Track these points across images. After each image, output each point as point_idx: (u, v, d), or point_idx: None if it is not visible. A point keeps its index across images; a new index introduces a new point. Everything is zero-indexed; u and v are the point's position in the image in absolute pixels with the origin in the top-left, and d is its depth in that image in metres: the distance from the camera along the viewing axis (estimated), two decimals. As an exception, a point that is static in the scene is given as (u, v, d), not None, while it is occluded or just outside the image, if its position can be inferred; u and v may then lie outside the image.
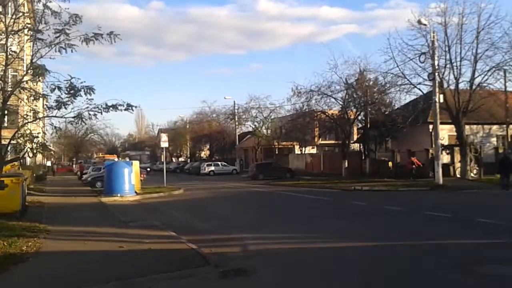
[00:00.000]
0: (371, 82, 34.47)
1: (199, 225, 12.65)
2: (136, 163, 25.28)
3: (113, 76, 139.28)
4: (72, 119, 14.84)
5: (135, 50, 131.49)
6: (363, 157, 35.99)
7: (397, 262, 7.68)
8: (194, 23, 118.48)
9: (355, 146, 42.09)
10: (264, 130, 52.50)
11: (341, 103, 35.34)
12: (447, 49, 26.99)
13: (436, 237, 9.79)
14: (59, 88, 14.03)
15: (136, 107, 15.27)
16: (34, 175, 34.81)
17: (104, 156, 59.09)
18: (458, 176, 28.20)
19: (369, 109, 34.15)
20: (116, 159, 53.07)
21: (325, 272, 7.28)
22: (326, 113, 37.05)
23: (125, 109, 14.70)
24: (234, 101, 53.82)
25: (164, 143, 28.33)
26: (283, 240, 10.03)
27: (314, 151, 49.72)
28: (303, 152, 48.43)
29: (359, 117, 36.38)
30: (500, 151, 32.16)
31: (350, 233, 10.76)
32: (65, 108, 14.36)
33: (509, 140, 31.12)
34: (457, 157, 28.86)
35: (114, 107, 14.50)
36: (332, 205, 17.60)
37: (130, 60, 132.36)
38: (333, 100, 35.40)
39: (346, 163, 34.74)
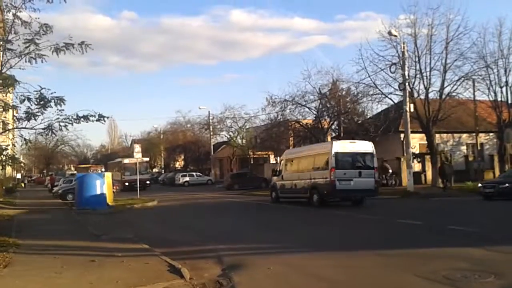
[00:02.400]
0: (343, 92, 34.99)
1: (173, 237, 12.50)
2: (108, 175, 24.88)
3: (85, 86, 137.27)
4: (42, 131, 14.51)
5: (107, 60, 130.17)
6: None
7: (367, 271, 7.76)
8: (166, 33, 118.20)
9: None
10: (239, 140, 52.49)
11: (315, 112, 35.73)
12: (417, 59, 27.67)
13: (407, 244, 9.93)
14: (29, 99, 13.69)
15: (108, 117, 14.98)
16: (4, 188, 33.89)
17: (91, 166, 57.77)
18: (429, 183, 28.77)
19: (342, 119, 34.61)
20: (100, 170, 52.29)
21: (302, 282, 7.30)
22: (301, 123, 37.33)
23: (96, 120, 14.40)
24: (209, 111, 53.77)
25: (138, 154, 27.98)
26: (259, 251, 10.02)
27: (289, 160, 49.81)
28: (278, 162, 48.52)
29: (333, 126, 36.79)
30: (470, 159, 33.03)
31: (323, 242, 10.83)
32: (35, 119, 14.01)
33: (478, 148, 31.94)
34: (428, 165, 29.43)
35: (86, 118, 14.21)
36: (307, 214, 17.67)
37: (102, 70, 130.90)
38: (307, 109, 35.86)
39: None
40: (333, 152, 18.96)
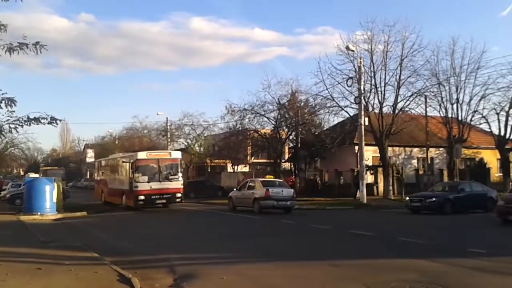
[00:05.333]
0: (302, 103, 35.52)
1: (124, 246, 12.19)
2: (58, 179, 24.12)
3: (38, 88, 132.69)
4: (-9, 133, 13.92)
5: (61, 62, 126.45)
6: (294, 176, 36.76)
7: (319, 281, 7.85)
8: (125, 37, 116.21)
9: (286, 165, 42.88)
10: (197, 148, 52.04)
11: (273, 122, 36.06)
12: (372, 74, 28.48)
13: (358, 255, 10.14)
14: (-23, 99, 13.13)
15: (60, 120, 14.51)
16: None
17: (53, 168, 55.27)
18: (381, 195, 29.52)
19: (300, 129, 35.10)
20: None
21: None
22: (259, 132, 37.54)
23: (48, 123, 13.94)
24: (167, 117, 52.97)
25: (90, 159, 27.32)
26: (212, 261, 9.94)
27: (246, 169, 49.93)
28: (236, 171, 48.51)
29: (291, 137, 37.22)
30: (421, 172, 34.18)
31: (276, 252, 10.88)
32: (-17, 121, 13.44)
33: (429, 162, 33.10)
34: (380, 177, 30.22)
35: (37, 120, 13.72)
36: (261, 223, 17.72)
37: (56, 72, 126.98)
38: (266, 119, 36.14)
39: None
40: None
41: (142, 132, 61.65)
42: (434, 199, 20.46)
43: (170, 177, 23.62)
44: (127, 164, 24.40)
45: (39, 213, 20.08)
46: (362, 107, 25.76)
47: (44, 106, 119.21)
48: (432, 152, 34.86)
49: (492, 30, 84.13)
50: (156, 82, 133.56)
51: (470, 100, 31.07)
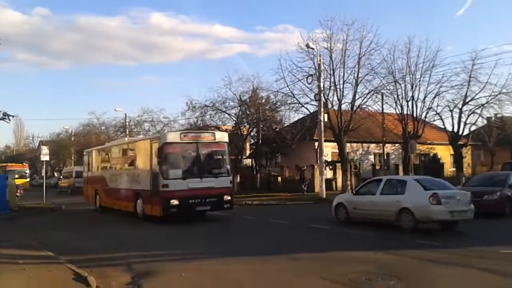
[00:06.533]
0: (263, 100, 35.61)
1: (80, 244, 11.89)
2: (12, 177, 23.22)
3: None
4: None
5: (15, 56, 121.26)
6: (255, 172, 36.90)
7: (278, 275, 7.93)
8: (81, 31, 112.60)
9: (248, 161, 42.98)
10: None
11: (234, 119, 35.98)
12: (331, 72, 28.81)
13: (317, 248, 10.31)
14: None
15: (13, 116, 14.14)
16: None
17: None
18: (340, 190, 30.07)
19: (261, 126, 35.23)
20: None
21: (213, 287, 7.30)
22: (220, 129, 37.41)
23: (1, 119, 13.54)
24: (126, 114, 52.00)
25: (45, 156, 26.36)
26: (171, 258, 9.86)
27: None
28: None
29: (252, 133, 37.27)
30: (377, 167, 35.05)
31: (237, 247, 10.91)
32: None
33: (385, 157, 33.97)
34: (339, 173, 30.80)
35: (-12, 116, 13.27)
36: (223, 220, 17.67)
37: (9, 66, 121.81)
38: (227, 116, 35.99)
39: (238, 178, 35.28)
40: None
41: (99, 129, 60.27)
42: None
43: (215, 171, 16.31)
44: (147, 151, 16.73)
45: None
46: (322, 104, 26.08)
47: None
48: (388, 147, 35.82)
49: (447, 29, 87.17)
50: (114, 77, 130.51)
51: (425, 97, 32.08)
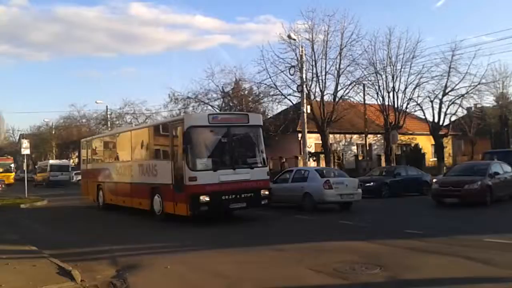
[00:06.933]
0: (246, 92, 35.62)
1: (64, 239, 11.77)
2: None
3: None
4: None
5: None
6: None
7: (263, 266, 7.97)
8: (60, 22, 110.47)
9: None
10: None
11: (217, 110, 35.87)
12: (314, 63, 29.03)
13: (301, 239, 10.38)
14: None
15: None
16: None
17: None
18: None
19: (244, 118, 35.19)
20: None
21: (198, 279, 7.29)
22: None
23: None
24: (107, 106, 51.44)
25: (26, 150, 25.92)
26: (156, 251, 9.80)
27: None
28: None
29: (235, 125, 37.19)
30: (360, 158, 35.40)
31: (221, 239, 10.89)
32: None
33: (367, 148, 34.33)
34: (322, 164, 31.04)
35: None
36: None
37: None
38: (210, 107, 35.87)
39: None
40: None
41: (80, 121, 59.57)
42: (372, 183, 21.22)
43: (250, 160, 14.01)
44: (167, 137, 14.53)
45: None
46: (304, 95, 26.20)
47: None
48: (371, 138, 36.21)
49: (427, 21, 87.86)
50: (95, 69, 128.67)
51: (406, 88, 32.55)
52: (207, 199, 12.63)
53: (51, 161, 47.49)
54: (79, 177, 43.79)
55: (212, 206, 12.81)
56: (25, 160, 30.37)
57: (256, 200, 13.59)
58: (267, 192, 13.86)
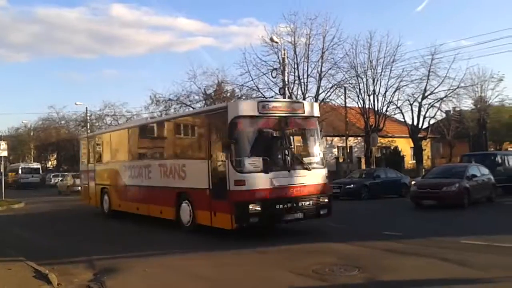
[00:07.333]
0: (228, 94, 35.56)
1: (40, 242, 11.60)
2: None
3: None
4: None
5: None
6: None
7: (244, 268, 7.95)
8: (40, 23, 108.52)
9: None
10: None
11: (199, 113, 35.72)
12: (296, 66, 29.20)
13: (282, 241, 10.40)
14: None
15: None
16: None
17: None
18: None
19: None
20: None
21: (177, 282, 7.24)
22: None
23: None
24: (87, 108, 50.80)
25: (3, 152, 25.44)
26: (135, 254, 9.67)
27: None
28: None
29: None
30: (341, 160, 35.64)
31: (202, 242, 10.85)
32: None
33: (348, 151, 34.59)
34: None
35: None
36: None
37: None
38: (191, 110, 35.69)
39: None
40: None
41: (59, 123, 58.72)
42: (352, 185, 21.44)
43: (307, 159, 11.37)
44: (202, 130, 12.10)
45: None
46: (286, 98, 26.30)
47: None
48: (351, 141, 36.49)
49: (407, 25, 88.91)
50: (74, 71, 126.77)
51: (386, 91, 32.91)
52: (258, 208, 10.21)
53: (22, 164, 49.00)
54: (58, 179, 43.85)
55: (264, 216, 10.36)
56: (3, 162, 29.77)
57: (315, 210, 11.17)
58: (326, 199, 11.39)
